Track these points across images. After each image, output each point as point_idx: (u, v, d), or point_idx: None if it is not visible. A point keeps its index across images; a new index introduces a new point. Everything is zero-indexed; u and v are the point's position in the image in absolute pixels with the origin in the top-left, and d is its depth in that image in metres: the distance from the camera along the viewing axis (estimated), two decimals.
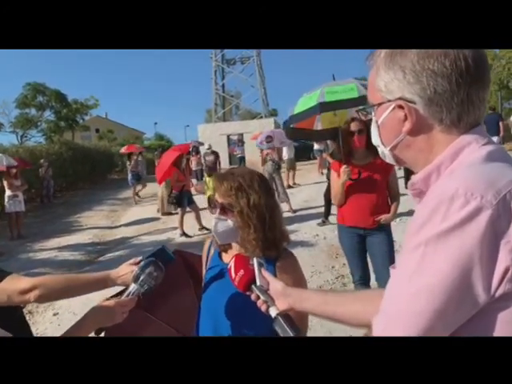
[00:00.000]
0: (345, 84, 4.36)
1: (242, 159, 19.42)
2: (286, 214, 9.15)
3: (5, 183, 9.75)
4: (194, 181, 13.50)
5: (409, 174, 6.70)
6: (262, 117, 29.45)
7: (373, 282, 3.62)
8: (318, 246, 6.59)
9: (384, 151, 0.91)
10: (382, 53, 0.86)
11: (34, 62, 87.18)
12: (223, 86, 33.50)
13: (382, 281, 3.36)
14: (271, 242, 1.46)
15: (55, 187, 15.86)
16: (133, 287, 1.40)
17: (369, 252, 3.56)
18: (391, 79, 0.83)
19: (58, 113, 24.64)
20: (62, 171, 17.10)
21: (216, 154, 12.78)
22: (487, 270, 0.68)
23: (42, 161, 14.81)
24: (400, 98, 0.82)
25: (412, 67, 0.80)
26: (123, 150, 18.33)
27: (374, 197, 3.42)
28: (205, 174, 11.75)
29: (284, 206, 9.41)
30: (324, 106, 4.12)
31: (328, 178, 7.68)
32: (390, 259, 3.32)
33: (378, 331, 0.76)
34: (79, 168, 18.88)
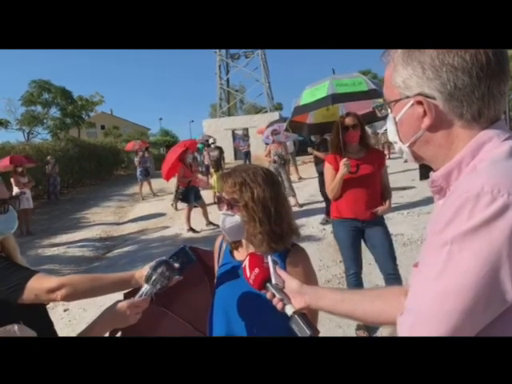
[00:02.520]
0: (352, 78, 4.34)
1: (248, 154, 19.40)
2: (292, 209, 9.13)
3: (11, 181, 9.81)
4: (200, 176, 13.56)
5: (423, 166, 6.63)
6: (266, 111, 29.38)
7: (377, 272, 3.65)
8: (325, 240, 6.58)
9: (402, 148, 0.90)
10: (399, 51, 0.85)
11: (39, 59, 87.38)
12: (228, 80, 33.43)
13: (386, 271, 3.44)
14: (278, 235, 1.46)
15: (62, 184, 15.94)
16: (145, 288, 1.41)
17: (369, 244, 3.59)
18: (410, 75, 0.83)
19: (64, 110, 24.72)
20: (69, 168, 17.18)
21: (220, 149, 12.79)
22: None
23: (48, 157, 14.87)
24: (419, 94, 0.82)
25: (431, 62, 0.79)
26: (127, 146, 18.46)
27: (369, 190, 3.48)
28: (211, 169, 11.76)
29: (290, 201, 9.39)
30: (336, 98, 4.06)
31: (319, 172, 7.68)
32: (390, 249, 3.47)
33: (405, 330, 0.75)
34: (85, 164, 18.96)
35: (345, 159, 3.42)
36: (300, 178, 13.04)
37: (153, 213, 11.09)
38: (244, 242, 1.55)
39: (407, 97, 0.84)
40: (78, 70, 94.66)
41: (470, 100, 0.79)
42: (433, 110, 0.81)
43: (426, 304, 0.72)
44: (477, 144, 0.80)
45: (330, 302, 1.10)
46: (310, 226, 7.52)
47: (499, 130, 0.80)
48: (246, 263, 1.24)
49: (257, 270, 1.20)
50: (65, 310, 5.16)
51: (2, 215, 1.58)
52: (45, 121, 25.34)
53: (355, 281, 3.43)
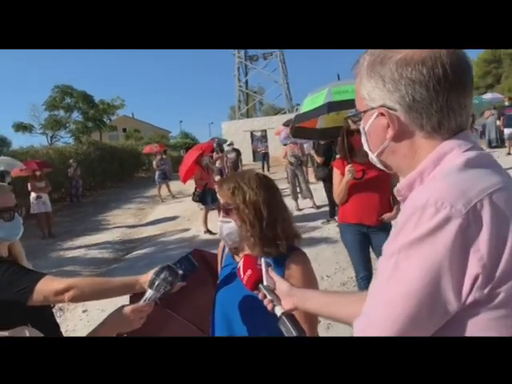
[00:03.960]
0: (353, 84, 4.35)
1: (266, 155, 19.42)
2: (309, 210, 9.14)
3: (29, 185, 10.05)
4: (217, 178, 13.62)
5: None
6: (285, 112, 29.35)
7: None
8: (341, 242, 6.53)
9: (372, 157, 0.93)
10: (365, 62, 0.87)
11: (61, 64, 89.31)
12: (246, 82, 33.54)
13: None
14: (270, 239, 1.47)
15: (84, 186, 16.26)
16: (149, 293, 1.44)
17: (375, 250, 3.55)
18: (373, 88, 0.85)
19: (86, 114, 25.20)
20: (91, 171, 17.52)
21: (238, 152, 12.84)
22: (457, 277, 0.69)
23: (70, 161, 15.21)
24: (382, 106, 0.83)
25: (391, 76, 0.81)
26: (145, 150, 18.73)
27: (377, 195, 3.42)
28: (227, 172, 11.81)
29: (308, 202, 9.39)
30: (332, 106, 4.14)
31: (320, 177, 7.73)
32: None
33: (358, 332, 0.79)
34: (107, 167, 19.29)
35: (349, 165, 3.40)
36: (318, 179, 12.97)
37: (171, 215, 11.22)
38: (244, 246, 1.56)
39: (372, 108, 0.86)
40: (100, 74, 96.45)
41: (428, 112, 0.80)
42: (395, 121, 0.83)
43: (376, 309, 0.76)
44: (438, 154, 0.81)
45: (316, 305, 1.13)
46: (327, 227, 7.49)
47: (461, 141, 0.81)
48: (241, 265, 1.29)
49: (249, 272, 1.25)
50: (84, 311, 5.26)
51: (8, 222, 1.64)
52: (67, 125, 25.88)
53: (365, 284, 3.40)
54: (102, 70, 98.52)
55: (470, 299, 0.70)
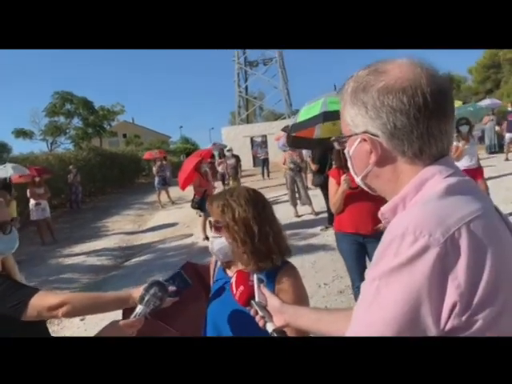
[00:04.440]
0: None
1: (266, 161, 19.45)
2: (308, 217, 9.15)
3: (28, 192, 10.07)
4: (218, 184, 13.64)
5: None
6: (285, 118, 29.42)
7: None
8: None
9: (357, 180, 0.94)
10: (349, 89, 0.88)
11: (61, 71, 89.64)
12: (246, 88, 33.67)
13: None
14: (264, 254, 1.49)
15: (84, 193, 16.29)
16: (139, 308, 1.47)
17: (371, 259, 3.53)
18: (356, 114, 0.86)
19: (86, 120, 25.30)
20: (91, 177, 17.55)
21: (237, 158, 12.86)
22: (436, 304, 0.70)
23: (70, 167, 15.24)
24: (365, 132, 0.85)
25: (373, 103, 0.83)
26: (145, 156, 18.78)
27: (372, 204, 3.36)
28: (227, 177, 11.84)
29: (307, 209, 9.40)
30: (327, 116, 4.20)
31: (317, 184, 7.75)
32: None
33: None
34: (107, 173, 19.32)
35: (345, 175, 3.42)
36: (315, 186, 12.98)
37: (170, 222, 11.22)
38: (236, 260, 1.58)
39: (356, 134, 0.88)
40: (100, 80, 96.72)
41: (409, 139, 0.81)
42: (378, 147, 0.84)
43: (356, 331, 0.77)
44: (420, 180, 0.82)
45: (307, 322, 1.15)
46: (325, 234, 7.49)
47: (442, 167, 0.82)
48: (233, 280, 1.31)
49: (242, 288, 1.26)
50: (81, 320, 5.26)
51: (5, 236, 1.65)
52: (67, 131, 25.98)
53: None
54: (102, 76, 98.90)
55: (449, 326, 0.71)
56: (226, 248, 1.52)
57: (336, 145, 0.99)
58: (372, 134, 0.84)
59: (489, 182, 7.16)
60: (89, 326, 5.02)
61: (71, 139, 26.23)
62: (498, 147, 14.61)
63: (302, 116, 4.65)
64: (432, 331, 0.71)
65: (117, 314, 1.68)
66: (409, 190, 0.83)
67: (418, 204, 0.80)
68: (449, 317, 0.70)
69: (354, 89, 0.87)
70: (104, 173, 18.98)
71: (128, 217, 13.22)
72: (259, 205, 1.54)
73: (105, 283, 6.73)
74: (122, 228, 11.52)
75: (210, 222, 1.58)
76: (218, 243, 1.53)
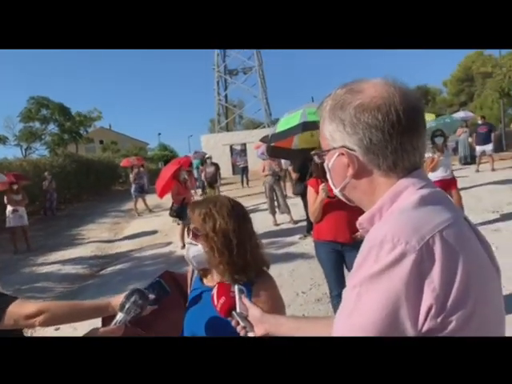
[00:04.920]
0: None
1: (245, 169, 19.50)
2: (287, 226, 9.20)
3: (5, 198, 9.84)
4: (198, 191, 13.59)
5: None
6: (264, 126, 29.59)
7: None
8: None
9: (335, 191, 0.99)
10: (327, 106, 0.93)
11: (37, 76, 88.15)
12: (226, 96, 33.77)
13: None
14: (240, 267, 1.50)
15: (59, 200, 15.98)
16: (119, 316, 1.47)
17: (349, 268, 3.60)
18: (334, 130, 0.91)
19: (62, 126, 24.89)
20: (66, 183, 17.26)
21: (216, 166, 12.86)
22: (413, 308, 0.74)
23: (45, 173, 14.95)
24: (342, 147, 0.90)
25: (350, 120, 0.88)
26: (123, 163, 18.60)
27: (350, 213, 3.43)
28: (205, 185, 11.82)
29: (285, 217, 9.45)
30: (306, 126, 4.30)
31: (298, 193, 7.85)
32: None
33: None
34: (83, 180, 19.04)
35: (323, 184, 3.47)
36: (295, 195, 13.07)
37: (148, 230, 11.11)
38: (212, 270, 1.59)
39: (334, 148, 0.92)
40: (77, 85, 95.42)
41: (384, 153, 0.87)
42: (355, 160, 0.89)
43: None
44: (394, 192, 0.87)
45: (287, 330, 1.18)
46: (304, 243, 7.55)
47: (415, 179, 0.88)
48: (214, 292, 1.32)
49: (223, 299, 1.28)
50: (56, 329, 5.14)
51: None
52: (43, 137, 25.50)
53: (339, 301, 3.44)
54: (79, 82, 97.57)
55: (425, 327, 0.75)
56: (201, 256, 1.53)
57: (316, 158, 1.03)
58: (349, 149, 0.89)
59: (461, 192, 7.35)
60: (62, 335, 4.92)
61: (46, 145, 25.75)
62: (470, 158, 15.03)
63: (281, 126, 4.74)
64: (410, 333, 0.75)
65: (90, 324, 1.66)
66: (385, 201, 0.88)
67: (394, 214, 0.85)
68: (425, 319, 0.75)
69: (332, 106, 0.92)
70: (80, 180, 18.69)
71: (104, 225, 13.03)
72: (240, 217, 1.55)
73: (80, 292, 6.60)
74: (98, 236, 11.34)
75: (188, 228, 1.58)
76: (194, 251, 1.53)
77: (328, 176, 0.99)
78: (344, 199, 0.99)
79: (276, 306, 1.48)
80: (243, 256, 1.50)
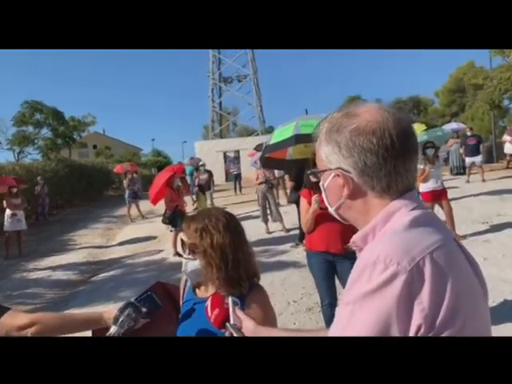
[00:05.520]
0: (319, 119, 4.59)
1: (238, 176, 19.52)
2: (279, 234, 9.22)
3: (4, 202, 9.78)
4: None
5: None
6: (258, 134, 29.67)
7: None
8: None
9: (331, 210, 1.02)
10: (324, 128, 0.97)
11: (32, 80, 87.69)
12: (220, 103, 33.84)
13: None
14: (234, 280, 1.53)
15: (51, 205, 15.88)
16: (113, 329, 1.49)
17: (340, 278, 3.67)
18: (330, 152, 0.95)
19: (55, 130, 24.76)
20: (58, 188, 17.14)
21: (210, 173, 12.87)
22: (404, 326, 0.78)
23: (38, 178, 14.86)
24: (338, 168, 0.94)
25: (346, 143, 0.91)
26: (116, 169, 18.55)
27: (342, 224, 3.47)
28: (199, 192, 11.81)
29: (277, 226, 9.48)
30: (299, 138, 4.36)
31: (292, 201, 7.89)
32: None
33: None
34: (75, 185, 18.93)
35: (315, 195, 3.51)
36: (289, 203, 13.11)
37: (140, 236, 11.07)
38: (207, 283, 1.62)
39: (330, 169, 0.96)
40: (71, 90, 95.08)
41: (378, 176, 0.90)
42: (350, 182, 0.93)
43: None
44: (387, 213, 0.91)
45: None
46: (296, 252, 7.57)
47: (407, 201, 0.91)
48: (208, 303, 1.35)
49: (217, 311, 1.31)
50: None
51: None
52: (36, 141, 25.36)
53: (330, 311, 3.49)
54: (73, 87, 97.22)
55: None
56: (200, 271, 1.55)
57: (312, 177, 1.06)
58: (344, 170, 0.93)
59: (452, 203, 7.43)
60: None
61: (39, 149, 25.59)
62: (462, 169, 15.17)
63: (275, 138, 4.82)
64: None
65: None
66: (378, 221, 0.91)
67: (387, 234, 0.88)
68: None
69: (328, 129, 0.96)
70: (72, 184, 18.58)
71: (96, 230, 12.96)
72: (235, 231, 1.59)
73: (71, 299, 6.58)
74: (90, 242, 11.28)
75: (183, 240, 1.61)
76: (192, 265, 1.56)
77: (323, 196, 1.02)
78: (339, 218, 1.02)
79: (267, 318, 1.52)
80: (237, 269, 1.53)
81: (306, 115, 5.04)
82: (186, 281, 1.76)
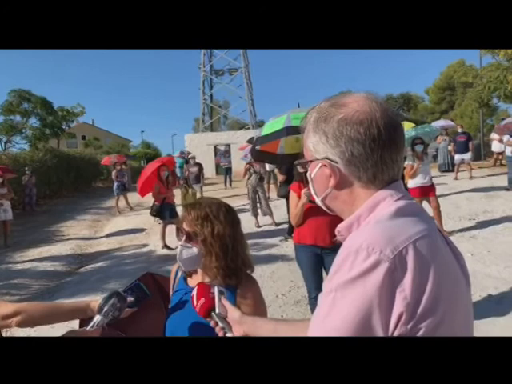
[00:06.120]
0: None
1: (229, 170, 19.50)
2: (268, 227, 9.24)
3: None
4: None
5: None
6: (249, 127, 29.62)
7: None
8: None
9: (317, 201, 1.02)
10: (312, 118, 0.97)
11: (21, 69, 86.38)
12: (211, 96, 33.66)
13: None
14: (232, 270, 1.54)
15: (38, 195, 15.71)
16: (97, 318, 1.48)
17: (327, 270, 3.67)
18: (317, 142, 0.95)
19: (44, 120, 24.42)
20: (46, 179, 16.96)
21: (200, 166, 12.83)
22: (385, 314, 0.78)
23: (25, 168, 14.69)
24: (325, 158, 0.94)
25: (333, 133, 0.91)
26: (103, 161, 18.39)
27: (330, 218, 3.48)
28: (184, 185, 11.74)
29: (267, 219, 9.50)
30: (290, 130, 4.36)
31: (282, 195, 7.92)
32: None
33: None
34: (64, 176, 18.75)
35: (305, 189, 3.53)
36: (279, 197, 13.13)
37: (128, 228, 11.03)
38: (198, 270, 1.61)
39: (317, 159, 0.96)
40: (61, 80, 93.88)
41: (365, 166, 0.90)
42: (336, 172, 0.93)
43: None
44: (373, 202, 0.91)
45: (264, 332, 1.21)
46: (285, 245, 7.61)
47: (393, 191, 0.92)
48: (194, 293, 1.33)
49: (202, 300, 1.30)
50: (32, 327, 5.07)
51: None
52: (23, 130, 24.98)
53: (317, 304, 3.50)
54: (62, 77, 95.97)
55: (396, 333, 0.78)
56: (195, 259, 1.54)
57: (299, 168, 1.06)
58: (331, 160, 0.93)
59: (440, 199, 7.51)
60: (40, 335, 4.86)
61: (27, 139, 25.22)
62: (450, 166, 15.31)
63: (266, 130, 4.82)
64: None
65: (68, 324, 1.65)
66: (363, 210, 0.92)
67: (371, 223, 0.88)
68: (396, 325, 0.78)
69: (316, 119, 0.95)
70: (60, 175, 18.40)
71: (84, 222, 12.86)
72: (234, 222, 1.59)
73: (58, 290, 6.52)
74: (78, 233, 11.19)
75: (178, 227, 1.59)
76: (189, 253, 1.54)
77: (310, 185, 1.02)
78: (325, 208, 1.02)
79: (259, 309, 1.53)
80: (236, 260, 1.54)
81: (297, 108, 5.04)
82: (177, 271, 1.75)
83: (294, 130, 4.38)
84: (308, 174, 1.01)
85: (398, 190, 0.92)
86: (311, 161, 0.98)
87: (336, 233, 0.98)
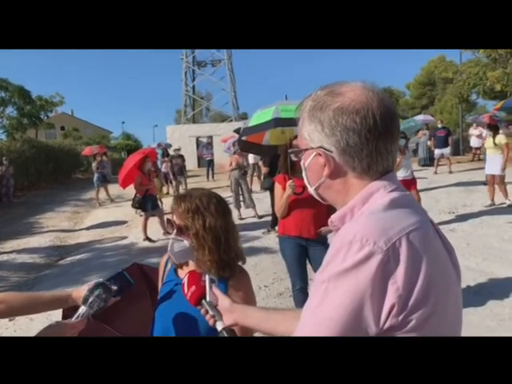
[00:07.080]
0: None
1: (211, 162, 19.39)
2: (251, 220, 9.25)
3: None
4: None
5: None
6: (231, 120, 29.48)
7: None
8: (280, 252, 6.67)
9: (310, 190, 1.01)
10: (307, 106, 0.95)
11: None
12: (193, 87, 33.34)
13: None
14: (226, 262, 1.52)
15: (16, 186, 15.40)
16: (82, 309, 1.45)
17: (312, 262, 3.72)
18: (312, 130, 0.94)
19: (21, 109, 23.78)
20: (24, 170, 16.64)
21: (182, 157, 12.74)
22: (377, 305, 0.78)
23: (3, 158, 14.37)
24: (320, 147, 0.93)
25: (329, 122, 0.90)
26: (84, 151, 18.12)
27: (315, 210, 3.56)
28: (171, 177, 11.66)
29: (250, 212, 9.50)
30: (278, 122, 4.36)
31: (266, 188, 7.95)
32: None
33: None
34: (42, 167, 18.41)
35: (290, 181, 3.54)
36: (262, 189, 13.15)
37: (109, 220, 10.88)
38: (191, 262, 1.59)
39: (311, 148, 0.95)
40: (39, 69, 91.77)
41: (359, 156, 0.90)
42: (331, 161, 0.92)
43: (305, 330, 0.84)
44: (366, 193, 0.91)
45: (255, 320, 1.21)
46: (267, 237, 7.63)
47: (387, 182, 0.91)
48: (185, 281, 1.32)
49: (193, 288, 1.29)
50: (10, 320, 4.98)
51: None
52: (0, 120, 24.36)
53: (301, 296, 3.53)
54: (41, 66, 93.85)
55: (387, 324, 0.79)
56: (187, 252, 1.52)
57: (293, 156, 1.05)
58: (326, 150, 0.92)
59: (420, 193, 7.63)
60: (18, 327, 4.77)
61: (4, 129, 24.56)
62: (429, 160, 15.57)
63: (254, 121, 4.80)
64: (372, 330, 0.79)
65: (47, 315, 1.63)
66: (356, 201, 0.91)
67: (364, 214, 0.88)
68: (387, 316, 0.79)
69: (311, 107, 0.94)
70: (39, 166, 18.05)
71: (63, 213, 12.64)
72: (226, 213, 1.57)
73: (37, 282, 6.41)
74: (57, 225, 10.99)
75: (170, 220, 1.57)
76: (180, 246, 1.52)
77: (304, 174, 1.01)
78: (318, 198, 1.01)
79: (250, 298, 1.53)
80: (229, 252, 1.53)
81: (285, 100, 5.03)
82: (167, 262, 1.73)
83: (282, 122, 4.38)
84: (302, 163, 1.00)
85: (391, 182, 0.92)
86: (306, 149, 0.97)
87: (329, 223, 0.97)
